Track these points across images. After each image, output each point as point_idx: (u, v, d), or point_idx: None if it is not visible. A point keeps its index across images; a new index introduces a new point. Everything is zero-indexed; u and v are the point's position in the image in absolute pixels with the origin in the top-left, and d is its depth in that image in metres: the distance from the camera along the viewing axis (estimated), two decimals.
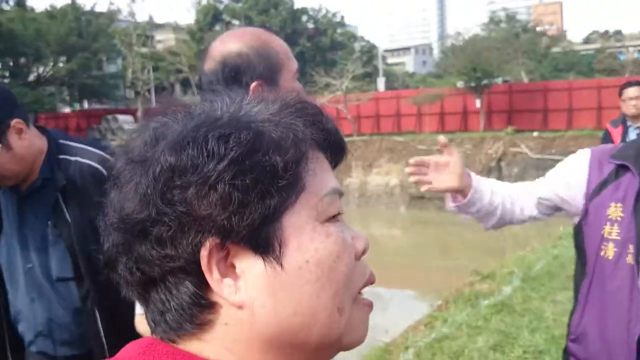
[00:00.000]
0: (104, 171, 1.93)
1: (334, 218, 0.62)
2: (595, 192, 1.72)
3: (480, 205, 1.81)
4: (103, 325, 1.92)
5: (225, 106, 0.63)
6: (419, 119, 26.49)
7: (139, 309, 1.51)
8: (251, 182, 0.56)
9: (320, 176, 0.62)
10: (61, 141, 1.97)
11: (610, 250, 1.66)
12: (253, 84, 1.37)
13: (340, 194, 0.64)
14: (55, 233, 1.89)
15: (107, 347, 1.92)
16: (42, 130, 1.96)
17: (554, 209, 1.86)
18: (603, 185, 1.71)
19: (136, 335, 2.04)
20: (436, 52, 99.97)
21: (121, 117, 29.22)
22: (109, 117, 28.96)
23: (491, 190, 1.83)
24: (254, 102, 0.64)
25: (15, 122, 1.79)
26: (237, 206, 0.56)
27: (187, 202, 0.56)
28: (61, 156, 1.93)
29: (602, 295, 1.68)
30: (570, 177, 1.79)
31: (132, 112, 28.78)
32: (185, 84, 44.56)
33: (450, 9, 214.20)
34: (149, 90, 32.50)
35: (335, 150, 0.67)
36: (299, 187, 0.60)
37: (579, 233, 1.77)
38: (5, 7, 29.71)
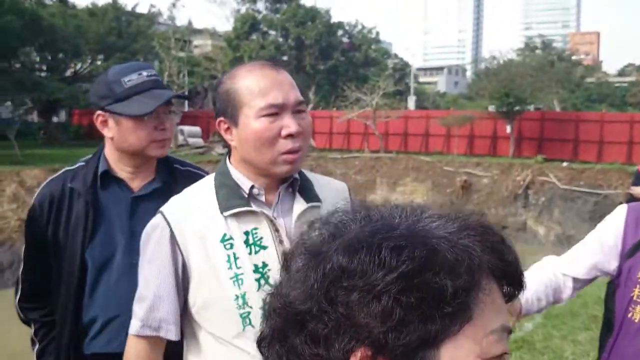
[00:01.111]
0: None
1: (498, 358, 0.58)
2: (630, 252, 1.70)
3: (529, 311, 1.90)
4: None
5: (405, 215, 0.62)
6: (448, 140, 26.42)
7: None
8: (416, 301, 0.55)
9: (491, 309, 0.58)
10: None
11: (637, 314, 1.65)
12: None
13: (509, 332, 0.61)
14: None
15: None
16: None
17: (592, 279, 1.87)
18: (638, 246, 1.68)
19: None
20: (469, 73, 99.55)
21: None
22: None
23: (537, 298, 1.86)
24: (434, 217, 0.62)
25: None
26: (397, 323, 0.54)
27: (349, 305, 0.56)
28: (174, 165, 2.14)
29: (624, 356, 1.68)
30: (606, 239, 1.77)
31: None
32: None
33: (487, 31, 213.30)
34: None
35: (512, 283, 0.63)
36: (466, 317, 0.56)
37: (609, 291, 1.76)
38: (48, 1, 30.44)
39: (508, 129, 24.44)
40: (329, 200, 1.53)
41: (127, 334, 1.93)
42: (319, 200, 1.55)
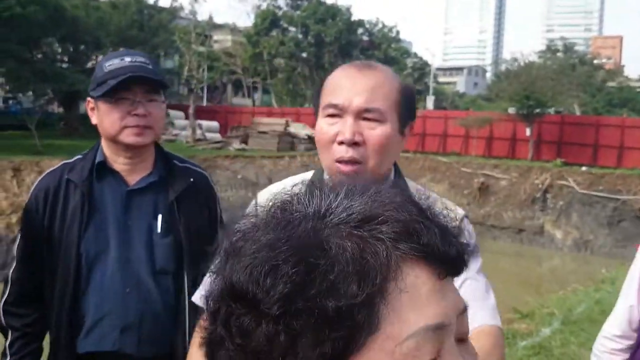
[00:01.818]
0: (212, 183, 2.18)
1: None
2: None
3: None
4: (190, 323, 1.94)
5: (314, 212, 0.55)
6: (466, 141, 26.26)
7: None
8: (299, 327, 0.49)
9: (409, 309, 0.50)
10: (162, 147, 2.14)
11: None
12: None
13: (442, 329, 0.51)
14: (165, 227, 1.98)
15: (188, 346, 1.93)
16: None
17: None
18: None
19: None
20: (489, 74, 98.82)
21: (173, 112, 29.78)
22: None
23: None
24: (342, 207, 0.54)
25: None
26: (285, 350, 0.49)
27: (243, 331, 0.51)
28: (172, 160, 2.09)
29: None
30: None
31: (184, 109, 29.35)
32: (237, 85, 45.18)
33: (508, 33, 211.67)
34: (201, 89, 33.15)
35: (445, 263, 0.54)
36: (370, 328, 0.49)
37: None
38: None
39: (528, 131, 24.24)
40: None
41: (120, 331, 1.92)
42: None
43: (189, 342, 1.89)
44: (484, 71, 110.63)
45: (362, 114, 1.33)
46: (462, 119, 26.25)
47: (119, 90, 1.89)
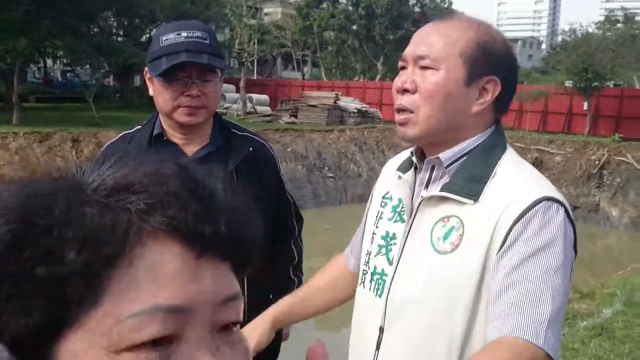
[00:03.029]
0: (271, 150, 2.17)
1: (143, 347, 0.45)
2: None
3: None
4: (249, 299, 1.87)
5: (74, 178, 0.51)
6: (520, 115, 25.66)
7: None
8: (6, 293, 0.44)
9: (138, 289, 0.45)
10: (222, 116, 2.12)
11: None
12: None
13: (180, 312, 0.46)
14: None
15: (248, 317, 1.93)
16: None
17: None
18: None
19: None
20: (544, 46, 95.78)
21: (224, 86, 30.06)
22: None
23: None
24: (101, 175, 0.50)
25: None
26: None
27: None
28: (231, 129, 2.07)
29: None
30: None
31: (235, 82, 29.59)
32: (287, 58, 45.17)
33: (565, 3, 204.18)
34: (252, 62, 33.30)
35: (201, 242, 0.48)
36: (87, 303, 0.44)
37: None
38: None
39: (585, 105, 23.50)
40: (494, 203, 1.24)
41: None
42: (469, 195, 1.26)
43: (249, 318, 1.95)
44: (539, 43, 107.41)
45: (418, 62, 1.31)
46: (516, 93, 25.61)
47: (173, 71, 1.86)
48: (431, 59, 1.28)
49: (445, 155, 1.32)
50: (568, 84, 24.89)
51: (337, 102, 24.42)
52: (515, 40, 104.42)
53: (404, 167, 1.46)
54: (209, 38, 1.91)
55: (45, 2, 17.45)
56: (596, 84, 23.24)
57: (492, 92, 1.31)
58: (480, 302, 1.23)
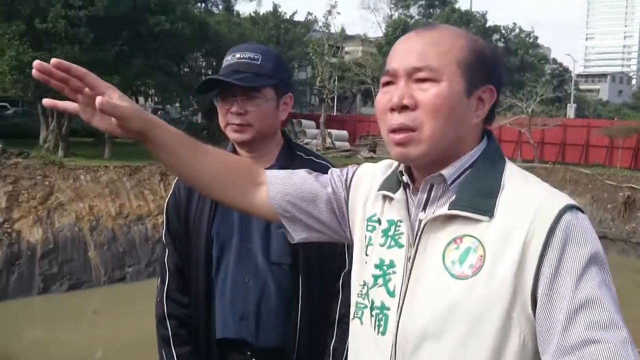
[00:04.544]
0: None
1: None
2: None
3: None
4: (301, 317, 1.95)
5: None
6: (610, 152, 24.62)
7: None
8: None
9: None
10: (293, 141, 2.18)
11: None
12: None
13: None
14: None
15: (297, 340, 1.95)
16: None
17: None
18: None
19: (324, 335, 1.94)
20: (635, 82, 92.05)
21: (305, 122, 30.67)
22: (294, 120, 30.54)
23: None
24: None
25: (288, 96, 2.06)
26: None
27: None
28: (297, 152, 2.11)
29: None
30: None
31: (315, 118, 30.07)
32: (366, 94, 45.52)
33: None
34: (332, 99, 33.75)
35: None
36: None
37: None
38: (215, 10, 32.58)
39: None
40: (512, 217, 1.12)
41: (240, 319, 1.94)
42: (482, 211, 1.14)
43: (299, 335, 1.94)
44: (629, 78, 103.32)
45: (413, 75, 1.17)
46: (606, 128, 24.64)
47: (222, 90, 1.96)
48: (430, 69, 1.16)
49: (449, 171, 1.20)
50: None
51: None
52: (604, 75, 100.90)
53: (390, 187, 1.31)
54: (261, 59, 1.97)
55: (137, 43, 18.44)
56: None
57: (488, 101, 1.22)
58: (511, 330, 1.09)
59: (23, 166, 14.19)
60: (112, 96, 1.23)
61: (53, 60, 1.18)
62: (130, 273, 13.50)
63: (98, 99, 1.17)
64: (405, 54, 1.19)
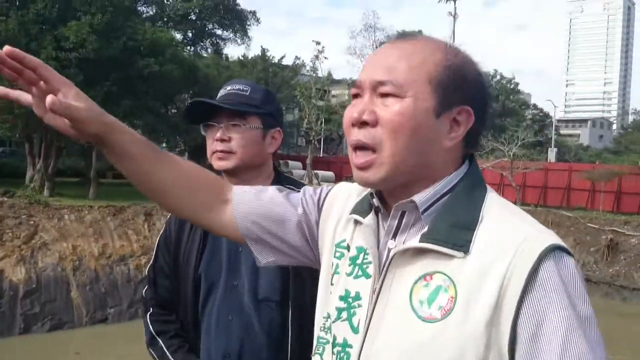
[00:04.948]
0: None
1: None
2: None
3: None
4: (291, 355, 1.89)
5: None
6: (592, 195, 24.97)
7: None
8: None
9: None
10: (284, 174, 2.17)
11: None
12: None
13: None
14: None
15: None
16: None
17: None
18: None
19: None
20: (615, 127, 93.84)
21: (292, 163, 30.99)
22: (281, 161, 30.80)
23: None
24: None
25: (277, 130, 2.05)
26: None
27: None
28: (287, 185, 2.08)
29: None
30: None
31: (302, 159, 30.32)
32: None
33: (635, 84, 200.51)
34: (319, 140, 34.13)
35: None
36: None
37: None
38: (204, 53, 33.06)
39: None
40: (490, 254, 1.00)
41: (222, 358, 1.89)
42: (457, 246, 1.02)
43: None
44: (610, 123, 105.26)
45: (377, 89, 1.08)
46: (588, 172, 25.05)
47: (210, 117, 1.96)
48: (394, 84, 1.06)
49: (421, 197, 1.08)
50: None
51: None
52: (585, 120, 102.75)
53: (361, 211, 1.21)
54: (250, 91, 1.99)
55: (126, 84, 18.62)
56: None
57: (464, 124, 1.09)
58: None
59: (8, 205, 14.15)
60: (68, 94, 1.10)
61: (6, 47, 1.07)
62: (112, 314, 13.37)
63: (49, 98, 1.05)
64: (374, 65, 1.11)
